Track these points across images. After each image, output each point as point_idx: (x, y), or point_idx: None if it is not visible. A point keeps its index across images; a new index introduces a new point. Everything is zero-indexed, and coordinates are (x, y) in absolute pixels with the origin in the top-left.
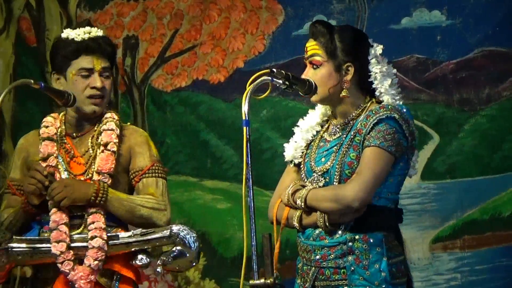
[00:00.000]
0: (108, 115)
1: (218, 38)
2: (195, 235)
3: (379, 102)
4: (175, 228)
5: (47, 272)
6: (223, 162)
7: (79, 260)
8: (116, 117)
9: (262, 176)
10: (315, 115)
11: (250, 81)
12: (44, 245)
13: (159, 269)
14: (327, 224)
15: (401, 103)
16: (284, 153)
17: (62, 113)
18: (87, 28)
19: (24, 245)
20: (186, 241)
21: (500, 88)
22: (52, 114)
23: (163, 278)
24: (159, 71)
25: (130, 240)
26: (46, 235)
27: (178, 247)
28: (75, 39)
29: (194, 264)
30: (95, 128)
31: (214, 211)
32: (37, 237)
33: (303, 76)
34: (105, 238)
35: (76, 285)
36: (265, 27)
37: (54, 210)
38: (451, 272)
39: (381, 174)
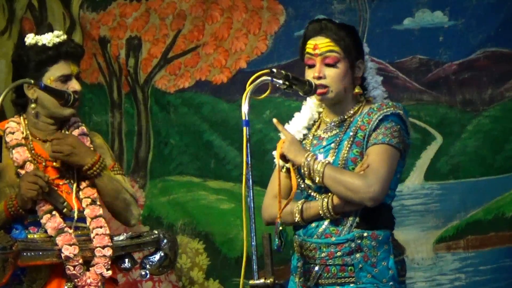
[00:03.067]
0: (74, 119)
1: (221, 38)
2: (175, 240)
3: (369, 98)
4: (161, 233)
5: (39, 273)
6: (227, 163)
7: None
8: (81, 122)
9: (265, 177)
10: (301, 120)
11: (250, 81)
12: (50, 248)
13: (143, 273)
14: (331, 212)
15: (389, 101)
16: (275, 160)
17: (22, 117)
18: (55, 32)
19: (31, 246)
20: (171, 246)
21: (502, 88)
22: (13, 119)
23: (167, 278)
24: (162, 72)
25: (125, 243)
26: (35, 236)
27: (163, 252)
28: (48, 45)
29: (172, 268)
30: (62, 132)
31: (218, 212)
32: (37, 239)
33: (315, 74)
34: (112, 245)
35: None
36: (267, 27)
37: (47, 216)
38: (455, 272)
39: (393, 172)
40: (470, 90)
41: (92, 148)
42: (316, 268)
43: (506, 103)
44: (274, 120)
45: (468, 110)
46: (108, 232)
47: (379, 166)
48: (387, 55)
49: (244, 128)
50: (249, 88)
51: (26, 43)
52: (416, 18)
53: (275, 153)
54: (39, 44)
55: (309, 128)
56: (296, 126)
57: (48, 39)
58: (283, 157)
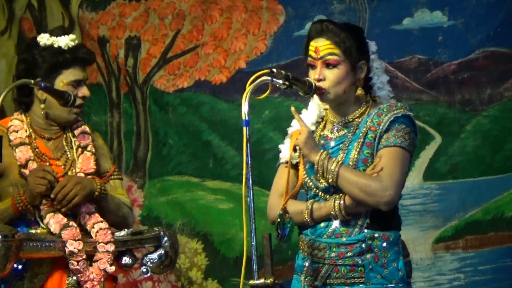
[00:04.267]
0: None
1: (220, 38)
2: (175, 238)
3: (375, 98)
4: (161, 230)
5: (40, 267)
6: (225, 163)
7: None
8: (82, 120)
9: (264, 177)
10: (309, 116)
11: (250, 81)
12: (53, 240)
13: (144, 269)
14: (343, 213)
15: (395, 101)
16: (281, 155)
17: (24, 115)
18: (70, 36)
19: (33, 238)
20: (171, 244)
21: (501, 88)
22: (17, 117)
23: (166, 278)
24: (161, 72)
25: (127, 239)
26: (38, 231)
27: (163, 250)
28: (64, 47)
29: (172, 267)
30: (65, 131)
31: (216, 212)
32: (40, 232)
33: (315, 77)
34: (113, 240)
35: (85, 285)
36: (267, 27)
37: (50, 214)
38: (454, 272)
39: (406, 174)
40: (469, 90)
41: (93, 148)
42: (325, 267)
43: (505, 103)
44: (292, 109)
45: (467, 110)
46: (107, 226)
47: (393, 169)
48: (386, 55)
49: (244, 128)
50: (249, 88)
51: (41, 43)
52: (415, 18)
53: (281, 147)
54: (55, 46)
55: (318, 122)
56: (305, 122)
57: (65, 42)
58: (295, 149)
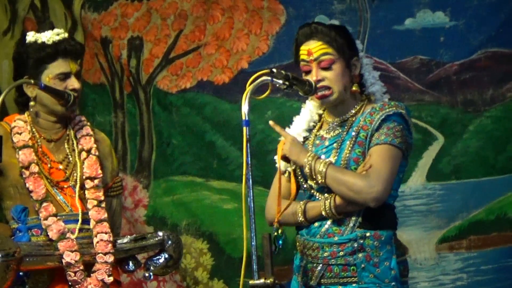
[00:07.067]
0: (79, 118)
1: (222, 38)
2: (179, 241)
3: (369, 94)
4: (165, 235)
5: (41, 276)
6: (229, 163)
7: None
8: (86, 121)
9: (268, 177)
10: (301, 122)
11: (250, 81)
12: (51, 251)
13: (147, 274)
14: (333, 212)
15: (388, 96)
16: (277, 165)
17: (27, 114)
18: (55, 30)
19: (33, 251)
20: (175, 247)
21: (504, 89)
22: (20, 117)
23: (171, 278)
24: (164, 72)
25: (129, 246)
26: (39, 239)
27: (167, 253)
28: (47, 42)
29: (176, 268)
30: (67, 132)
31: (221, 212)
32: (40, 242)
33: (314, 78)
34: (114, 252)
35: None
36: (268, 27)
37: (52, 219)
38: (458, 272)
39: (395, 172)
40: (471, 90)
41: (97, 151)
42: (319, 267)
43: (508, 104)
44: (271, 123)
45: (469, 111)
46: (111, 239)
47: (381, 166)
48: (388, 56)
49: (244, 128)
50: (249, 88)
51: (27, 41)
52: (417, 18)
53: (276, 158)
54: (39, 41)
55: (309, 130)
56: (296, 129)
57: (48, 36)
58: (285, 158)
